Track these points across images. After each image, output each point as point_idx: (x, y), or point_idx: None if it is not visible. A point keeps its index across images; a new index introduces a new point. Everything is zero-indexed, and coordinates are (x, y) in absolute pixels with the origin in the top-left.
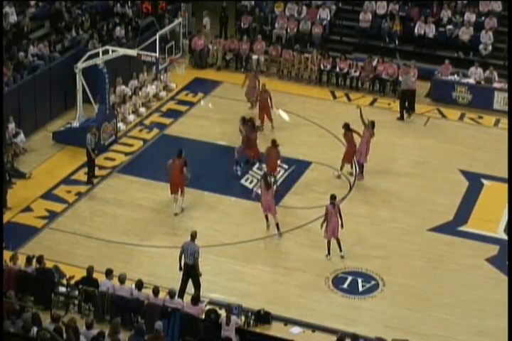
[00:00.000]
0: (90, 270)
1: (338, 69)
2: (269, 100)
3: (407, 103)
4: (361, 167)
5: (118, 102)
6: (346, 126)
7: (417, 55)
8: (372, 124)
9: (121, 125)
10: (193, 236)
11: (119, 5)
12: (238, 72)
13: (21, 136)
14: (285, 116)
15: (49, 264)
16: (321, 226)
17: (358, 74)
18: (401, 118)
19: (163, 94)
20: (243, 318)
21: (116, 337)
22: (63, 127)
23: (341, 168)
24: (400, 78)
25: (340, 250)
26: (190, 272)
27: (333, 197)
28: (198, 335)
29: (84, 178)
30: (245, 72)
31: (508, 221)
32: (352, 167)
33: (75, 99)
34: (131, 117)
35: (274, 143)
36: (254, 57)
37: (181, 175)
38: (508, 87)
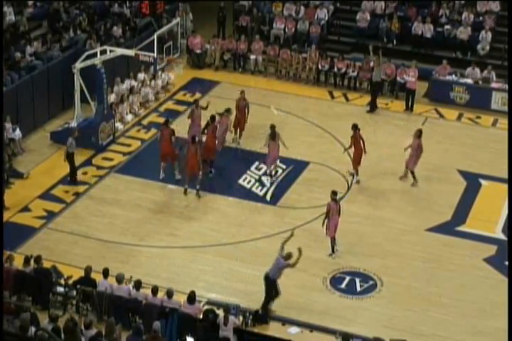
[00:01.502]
0: (88, 270)
1: (336, 69)
2: (246, 109)
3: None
4: (412, 173)
5: (116, 102)
6: (355, 127)
7: (415, 55)
8: (420, 132)
9: (119, 125)
10: (288, 256)
11: (116, 5)
12: (236, 72)
13: (17, 131)
14: (279, 113)
15: (47, 264)
16: (323, 223)
17: (356, 74)
18: (371, 110)
19: (161, 94)
20: (241, 318)
21: (112, 336)
22: (61, 127)
23: (357, 173)
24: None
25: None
26: (267, 284)
27: (334, 193)
28: (196, 335)
29: (83, 178)
30: (192, 109)
31: (508, 221)
32: (354, 168)
33: (73, 99)
34: (129, 117)
35: (195, 138)
36: (252, 57)
37: (170, 144)
38: (507, 88)
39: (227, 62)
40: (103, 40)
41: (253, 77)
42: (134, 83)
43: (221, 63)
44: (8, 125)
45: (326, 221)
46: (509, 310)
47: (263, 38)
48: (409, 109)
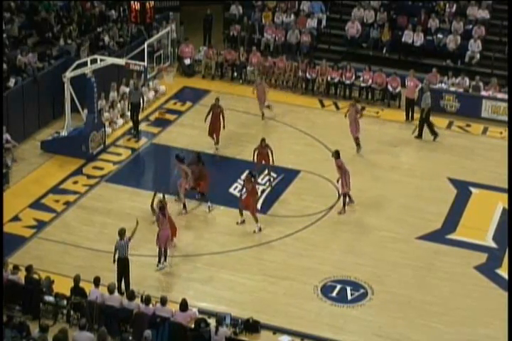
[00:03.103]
0: (77, 279)
1: (329, 78)
2: (221, 116)
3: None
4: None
5: (107, 108)
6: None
7: (405, 64)
8: (355, 101)
9: (108, 129)
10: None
11: (108, 14)
12: (227, 81)
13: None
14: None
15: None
16: (337, 181)
17: (350, 82)
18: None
19: (151, 95)
20: (231, 327)
21: None
22: (51, 136)
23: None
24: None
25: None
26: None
27: (337, 153)
28: None
29: (73, 187)
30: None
31: (509, 222)
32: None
33: (63, 108)
34: (120, 121)
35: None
36: (250, 68)
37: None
38: (508, 95)
39: (225, 73)
40: (94, 48)
41: (244, 86)
42: (125, 89)
43: (216, 73)
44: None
45: (339, 179)
46: (509, 315)
47: (253, 45)
48: (409, 118)
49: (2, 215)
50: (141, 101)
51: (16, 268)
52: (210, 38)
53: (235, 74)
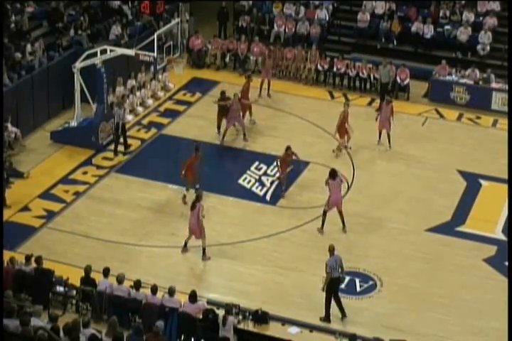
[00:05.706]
0: (88, 269)
1: (335, 69)
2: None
3: None
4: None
5: (116, 102)
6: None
7: (415, 55)
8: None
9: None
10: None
11: (117, 4)
12: (236, 72)
13: (13, 128)
14: None
15: (47, 264)
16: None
17: (354, 74)
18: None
19: (161, 94)
20: (241, 318)
21: (116, 331)
22: (61, 127)
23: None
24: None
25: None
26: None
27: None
28: (196, 335)
29: (82, 178)
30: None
31: (508, 220)
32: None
33: (73, 98)
34: (130, 117)
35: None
36: (252, 58)
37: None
38: (507, 88)
39: (228, 63)
40: (103, 39)
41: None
42: (134, 83)
43: (222, 63)
44: (7, 124)
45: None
46: (509, 310)
47: (263, 38)
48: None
49: (2, 211)
50: None
51: (27, 259)
52: (225, 30)
53: (241, 64)
